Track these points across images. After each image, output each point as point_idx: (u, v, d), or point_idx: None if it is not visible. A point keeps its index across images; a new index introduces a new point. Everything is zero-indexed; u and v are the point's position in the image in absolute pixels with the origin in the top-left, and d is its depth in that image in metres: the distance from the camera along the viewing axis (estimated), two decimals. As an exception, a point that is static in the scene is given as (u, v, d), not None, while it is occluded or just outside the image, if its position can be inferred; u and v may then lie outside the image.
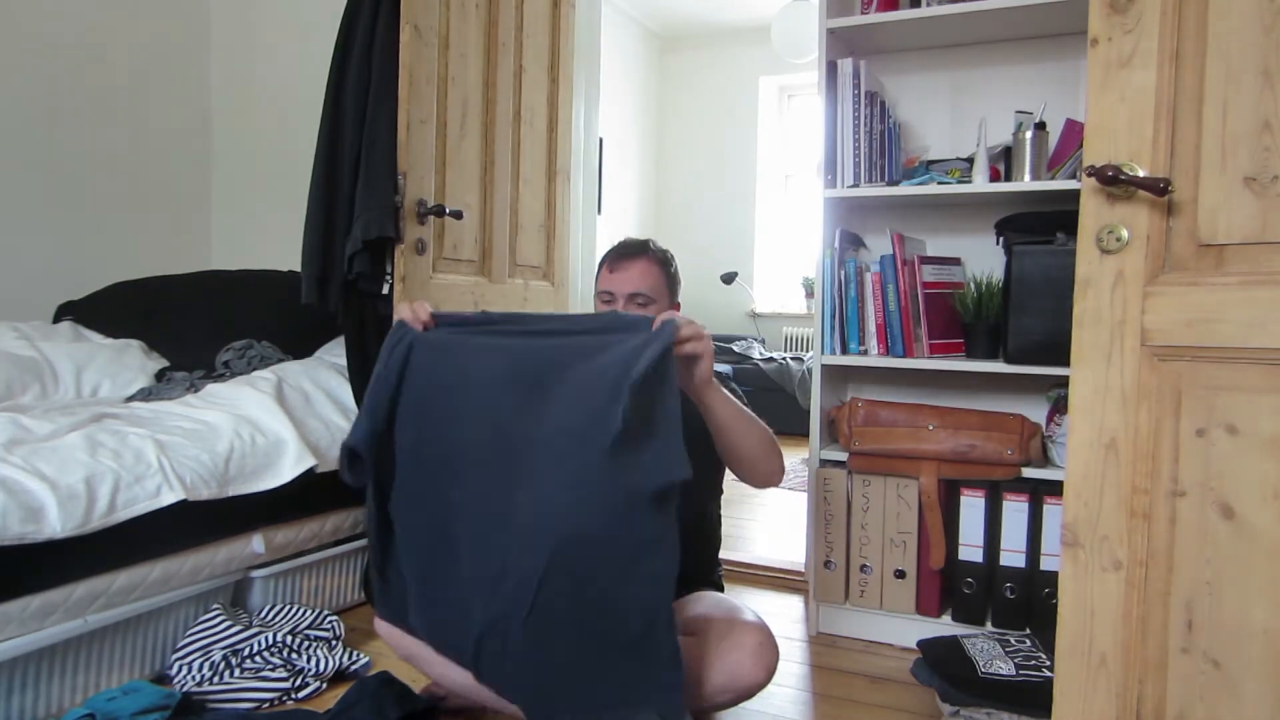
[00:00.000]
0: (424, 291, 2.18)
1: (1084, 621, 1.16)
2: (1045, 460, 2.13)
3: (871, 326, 2.22)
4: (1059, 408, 2.14)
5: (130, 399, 2.32)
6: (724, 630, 1.55)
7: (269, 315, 2.62)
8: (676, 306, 1.84)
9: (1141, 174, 1.11)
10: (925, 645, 1.85)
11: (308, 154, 2.20)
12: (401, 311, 1.53)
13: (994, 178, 2.18)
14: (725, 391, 1.57)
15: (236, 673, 1.81)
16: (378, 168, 2.07)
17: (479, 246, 2.44)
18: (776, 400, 5.50)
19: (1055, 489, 2.01)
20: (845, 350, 2.25)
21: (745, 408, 1.63)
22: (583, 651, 1.33)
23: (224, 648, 1.84)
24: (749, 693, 1.55)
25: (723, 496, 1.93)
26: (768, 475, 1.65)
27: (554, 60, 2.76)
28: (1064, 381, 1.77)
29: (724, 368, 5.64)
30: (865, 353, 2.23)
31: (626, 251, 1.80)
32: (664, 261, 1.82)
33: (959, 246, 2.39)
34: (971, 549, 2.11)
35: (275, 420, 2.09)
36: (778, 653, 1.56)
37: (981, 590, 2.10)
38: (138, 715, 1.60)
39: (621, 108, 6.29)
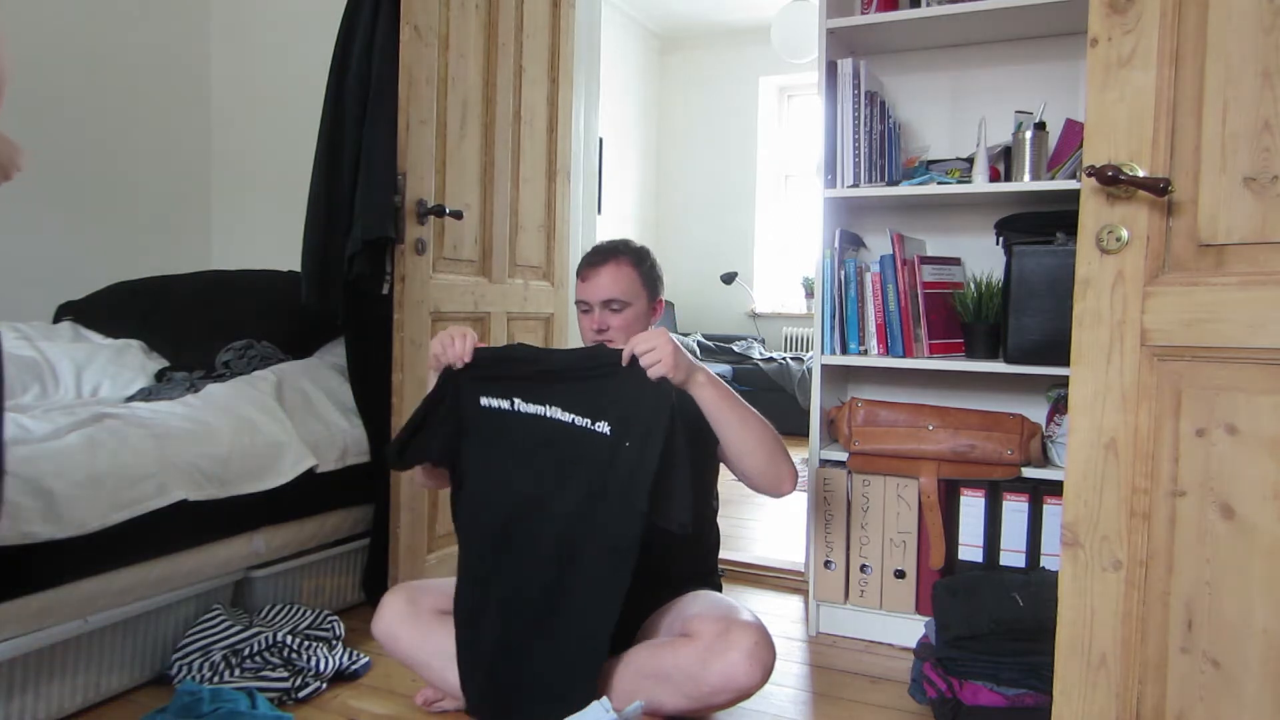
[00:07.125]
0: (424, 291, 2.19)
1: (1084, 621, 1.16)
2: (1045, 460, 2.12)
3: (871, 326, 2.22)
4: (1059, 408, 2.13)
5: (130, 399, 2.31)
6: (720, 630, 1.54)
7: (269, 315, 2.61)
8: (659, 303, 1.83)
9: (1141, 174, 1.10)
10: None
11: (308, 154, 2.20)
12: (440, 346, 1.63)
13: (994, 178, 2.18)
14: (714, 387, 1.58)
15: (236, 673, 1.81)
16: (377, 168, 2.07)
17: (479, 246, 2.44)
18: (776, 400, 5.50)
19: (1055, 489, 2.01)
20: (845, 350, 2.25)
21: (743, 405, 1.63)
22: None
23: (224, 648, 1.84)
24: (745, 694, 1.55)
25: (723, 496, 1.93)
26: (776, 480, 1.64)
27: (554, 60, 2.76)
28: (1064, 381, 1.77)
29: (724, 368, 5.65)
30: (865, 353, 2.23)
31: (595, 258, 1.78)
32: (638, 260, 1.79)
33: (959, 246, 2.39)
34: (971, 549, 2.11)
35: (275, 420, 2.09)
36: (774, 654, 1.57)
37: (981, 590, 2.10)
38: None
39: (621, 108, 6.29)
